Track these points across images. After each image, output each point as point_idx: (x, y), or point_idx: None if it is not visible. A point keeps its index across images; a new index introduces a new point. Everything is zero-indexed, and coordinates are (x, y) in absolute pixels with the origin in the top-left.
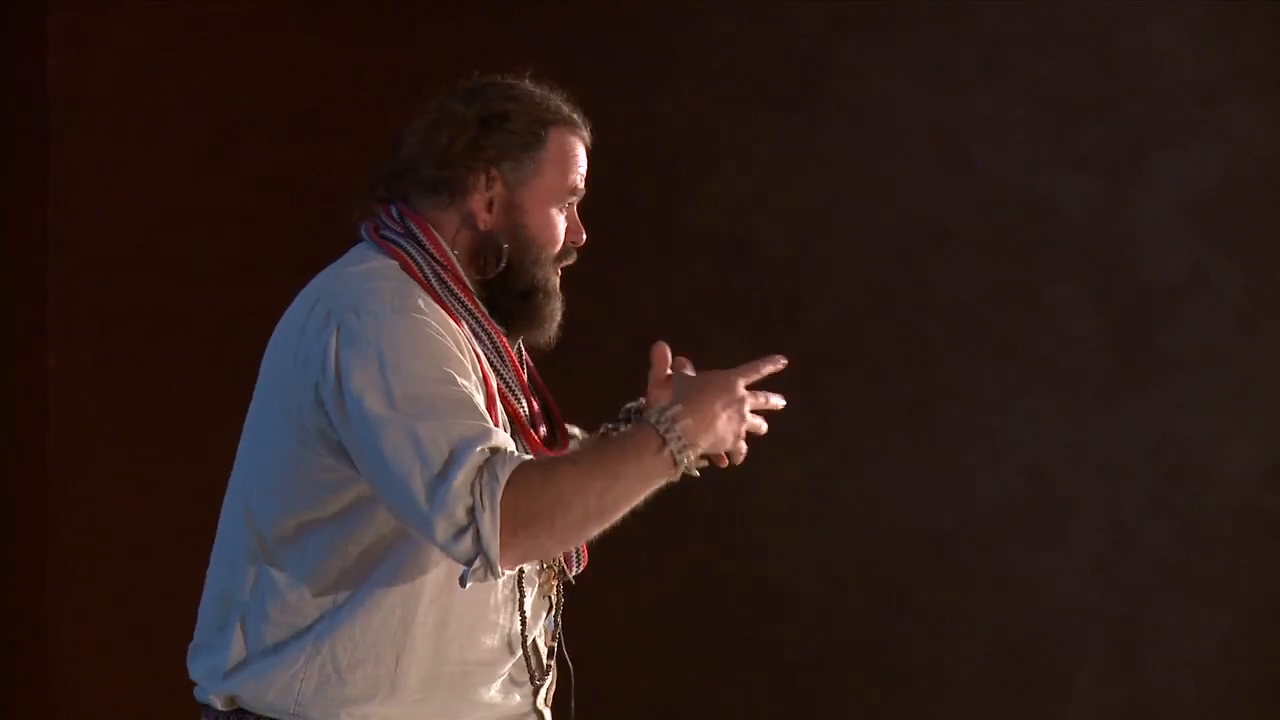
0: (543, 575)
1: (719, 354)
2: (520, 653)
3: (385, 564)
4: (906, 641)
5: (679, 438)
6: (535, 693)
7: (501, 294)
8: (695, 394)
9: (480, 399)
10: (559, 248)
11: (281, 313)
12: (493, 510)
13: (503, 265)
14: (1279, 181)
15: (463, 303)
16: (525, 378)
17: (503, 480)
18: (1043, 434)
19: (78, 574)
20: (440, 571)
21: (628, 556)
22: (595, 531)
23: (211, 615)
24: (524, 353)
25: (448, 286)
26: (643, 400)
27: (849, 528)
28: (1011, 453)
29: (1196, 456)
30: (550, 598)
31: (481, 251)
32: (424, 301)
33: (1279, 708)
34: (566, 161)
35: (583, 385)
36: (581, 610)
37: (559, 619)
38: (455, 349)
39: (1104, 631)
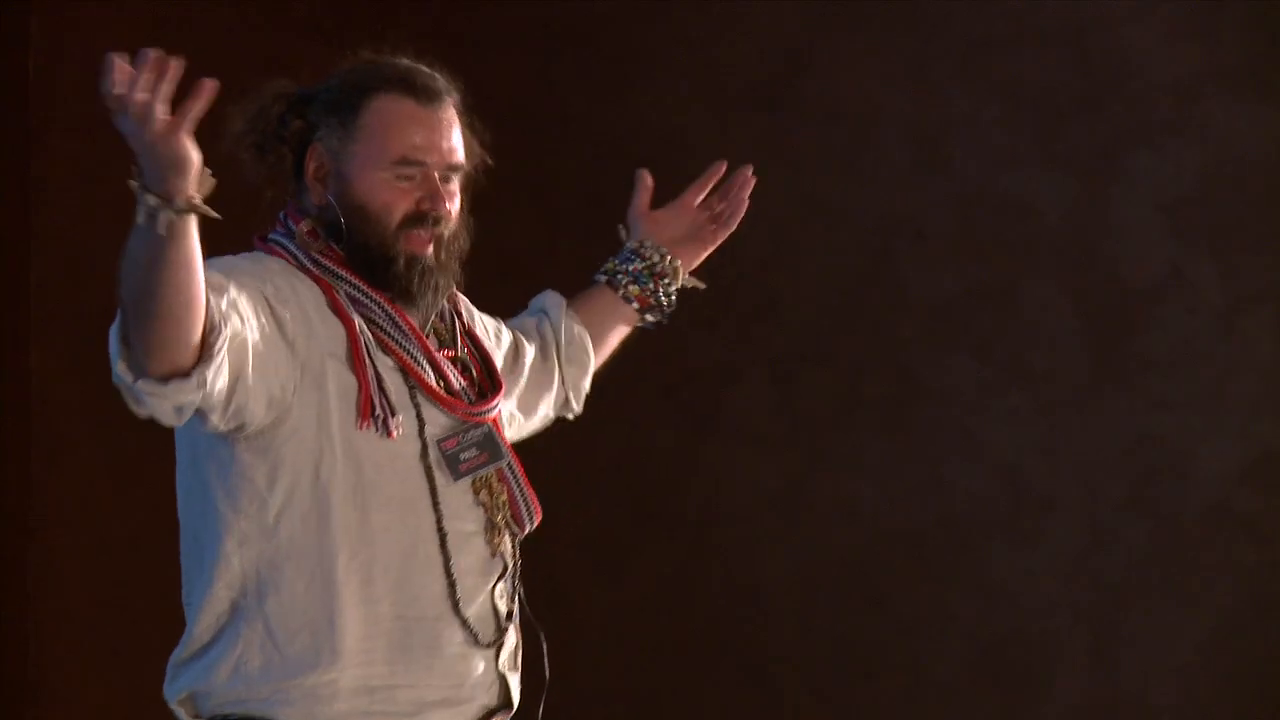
0: (487, 534)
1: (696, 353)
2: (463, 615)
3: (285, 527)
4: (883, 641)
5: (137, 189)
6: (496, 655)
7: (368, 268)
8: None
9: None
10: (400, 214)
11: None
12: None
13: (345, 236)
14: (1256, 181)
15: (337, 274)
16: (438, 338)
17: None
18: (1019, 434)
19: (60, 574)
20: (350, 525)
21: (603, 557)
22: (170, 308)
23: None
24: (457, 316)
25: (320, 263)
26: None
27: (825, 527)
28: (988, 452)
29: (1174, 456)
30: (504, 557)
31: (324, 226)
32: (278, 272)
33: (1256, 706)
34: (389, 126)
35: None
36: (557, 611)
37: (516, 581)
38: (261, 287)
39: (1081, 631)
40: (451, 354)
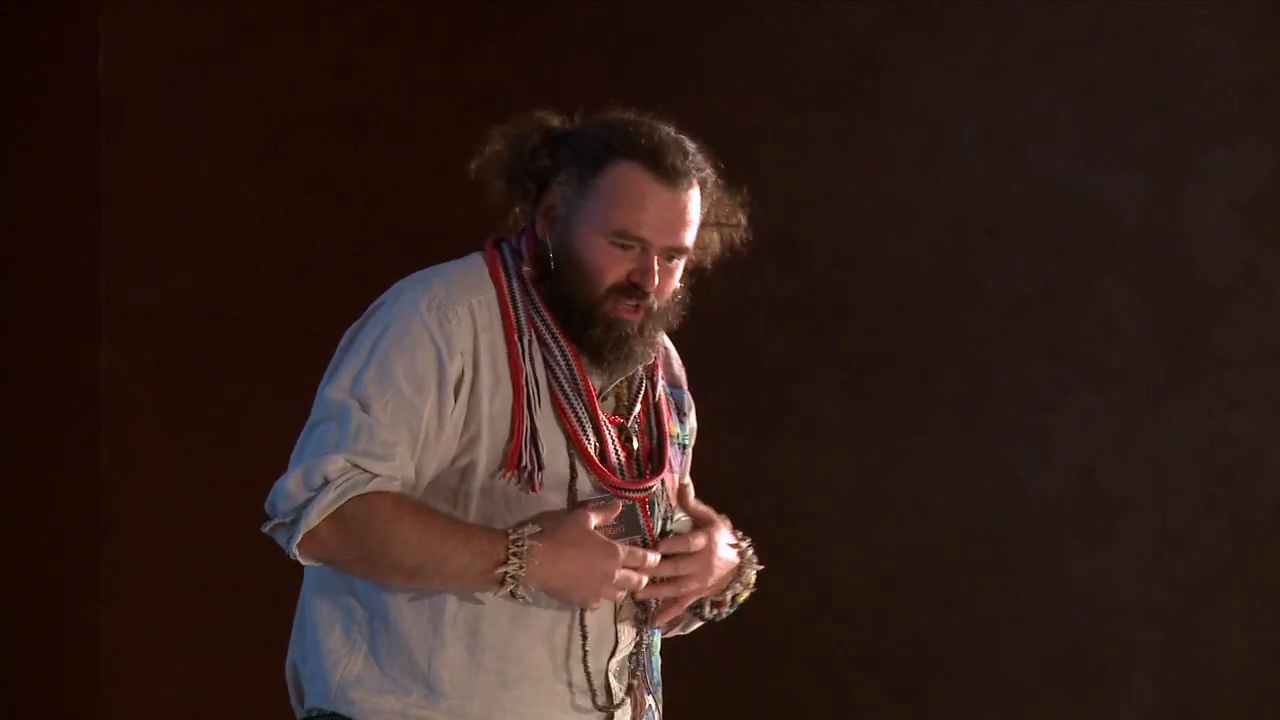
0: (610, 608)
1: (768, 353)
2: (577, 677)
3: None
4: (956, 641)
5: (519, 569)
6: None
7: (567, 316)
8: (569, 543)
9: (427, 426)
10: (610, 281)
11: (330, 311)
12: (338, 498)
13: (551, 278)
14: None
15: (541, 314)
16: (615, 400)
17: (366, 488)
18: (1094, 433)
19: (131, 572)
20: None
21: None
22: (401, 583)
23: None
24: (649, 384)
25: (530, 297)
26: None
27: (899, 527)
28: (1062, 452)
29: (1248, 455)
30: (619, 634)
31: (539, 260)
32: (465, 310)
33: None
34: (622, 197)
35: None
36: None
37: (643, 659)
38: (438, 371)
39: (1155, 631)
40: (620, 421)
